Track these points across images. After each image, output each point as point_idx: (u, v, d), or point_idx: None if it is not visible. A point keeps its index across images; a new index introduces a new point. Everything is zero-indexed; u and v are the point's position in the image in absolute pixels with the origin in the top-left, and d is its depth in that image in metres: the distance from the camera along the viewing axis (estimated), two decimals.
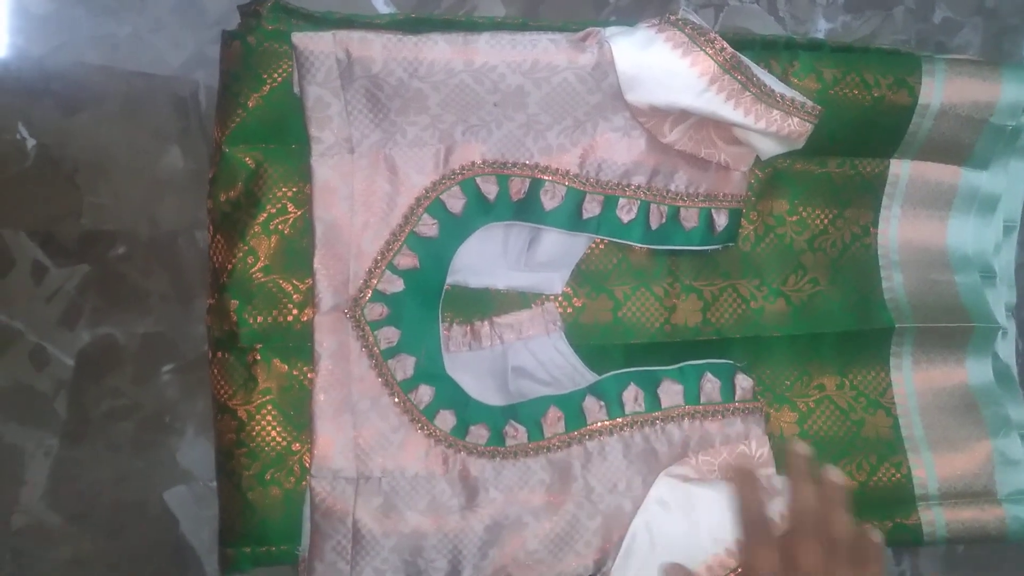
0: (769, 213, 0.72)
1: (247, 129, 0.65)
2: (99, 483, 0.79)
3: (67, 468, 0.79)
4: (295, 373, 0.65)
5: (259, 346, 0.65)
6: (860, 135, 0.71)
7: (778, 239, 0.72)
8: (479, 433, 0.64)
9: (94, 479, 0.79)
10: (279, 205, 0.65)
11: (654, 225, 0.67)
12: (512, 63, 0.62)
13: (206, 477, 0.80)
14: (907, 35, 0.86)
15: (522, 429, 0.64)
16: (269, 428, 0.65)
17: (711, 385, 0.66)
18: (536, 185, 0.65)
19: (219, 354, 0.65)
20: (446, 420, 0.64)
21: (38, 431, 0.79)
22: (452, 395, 0.65)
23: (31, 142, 0.80)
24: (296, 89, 0.63)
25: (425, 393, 0.64)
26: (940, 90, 0.69)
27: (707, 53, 0.61)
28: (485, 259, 0.69)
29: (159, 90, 0.81)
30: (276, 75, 0.65)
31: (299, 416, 0.65)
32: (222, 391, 0.65)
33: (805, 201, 0.73)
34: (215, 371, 0.65)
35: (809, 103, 0.64)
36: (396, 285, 0.64)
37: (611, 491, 0.64)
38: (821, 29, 0.86)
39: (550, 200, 0.65)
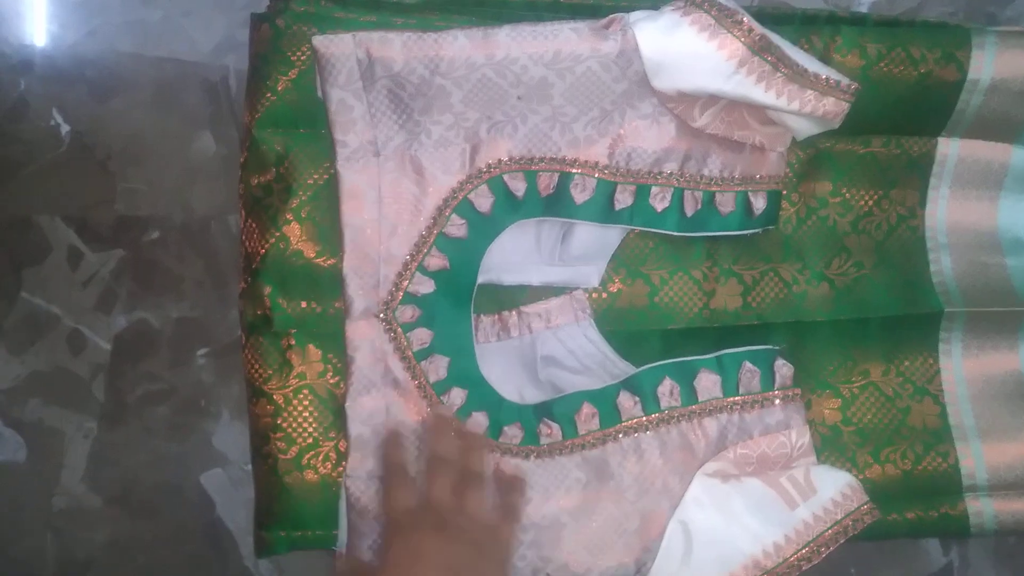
0: (811, 194, 0.70)
1: (276, 113, 0.65)
2: (137, 466, 0.80)
3: (106, 451, 0.81)
4: (330, 357, 0.65)
5: (293, 331, 0.65)
6: (906, 113, 0.68)
7: (821, 221, 0.70)
8: (513, 433, 0.63)
9: (132, 462, 0.81)
10: (311, 191, 0.65)
11: (689, 212, 0.66)
12: (534, 54, 0.60)
13: (241, 460, 0.81)
14: (955, 7, 0.83)
15: (556, 427, 0.63)
16: (305, 413, 0.65)
17: (750, 375, 0.64)
18: (565, 179, 0.64)
19: (253, 338, 0.65)
20: (479, 422, 0.63)
21: (77, 414, 0.81)
22: (485, 397, 0.64)
23: (65, 128, 0.81)
24: (319, 93, 0.63)
25: (457, 396, 0.63)
26: (990, 64, 0.67)
27: (734, 35, 0.59)
28: (518, 256, 0.68)
29: (190, 75, 0.81)
30: (305, 58, 0.64)
31: (334, 402, 0.65)
32: (257, 376, 0.65)
33: (849, 182, 0.71)
34: (248, 355, 0.66)
35: (845, 81, 0.61)
36: (427, 286, 0.64)
37: (648, 490, 0.63)
38: (864, 2, 0.83)
39: (580, 193, 0.64)
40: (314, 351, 0.65)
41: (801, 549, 0.61)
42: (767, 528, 0.61)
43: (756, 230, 0.67)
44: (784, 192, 0.69)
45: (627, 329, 0.69)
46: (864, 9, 0.82)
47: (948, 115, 0.69)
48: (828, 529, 0.61)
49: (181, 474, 0.81)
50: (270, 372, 0.65)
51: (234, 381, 0.80)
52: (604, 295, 0.69)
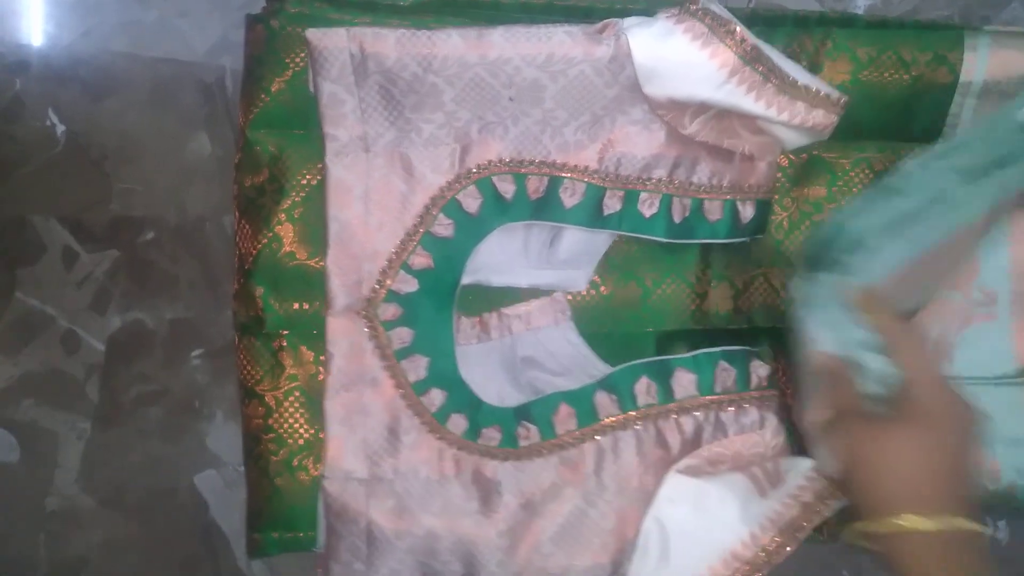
0: (805, 200, 0.70)
1: (270, 114, 0.65)
2: (130, 467, 0.80)
3: (99, 452, 0.80)
4: (322, 359, 0.65)
5: (285, 332, 0.65)
6: (899, 118, 0.68)
7: (814, 227, 0.70)
8: (491, 435, 0.63)
9: (126, 463, 0.80)
10: (304, 192, 0.65)
11: (677, 219, 0.66)
12: (527, 56, 0.60)
13: (235, 462, 0.81)
14: (950, 10, 0.83)
15: (534, 428, 0.63)
16: (297, 415, 0.65)
17: (726, 374, 0.64)
18: (554, 183, 0.64)
19: (245, 339, 0.65)
20: (458, 424, 0.63)
21: (71, 415, 0.80)
22: (464, 399, 0.64)
23: (61, 128, 0.81)
24: (311, 86, 0.62)
25: (437, 396, 0.63)
26: (983, 65, 0.66)
27: (727, 44, 0.59)
28: (506, 258, 0.68)
29: (185, 76, 0.81)
30: (299, 59, 0.64)
31: None
32: (249, 377, 0.65)
33: (844, 187, 0.70)
34: (241, 357, 0.66)
35: (835, 93, 0.61)
36: (410, 285, 0.64)
37: (624, 489, 0.63)
38: (860, 5, 0.83)
39: (569, 198, 0.64)
40: (306, 352, 0.65)
41: (776, 536, 0.60)
42: (742, 519, 0.60)
43: (744, 239, 0.67)
44: (775, 197, 0.69)
45: (619, 331, 0.69)
46: (860, 11, 0.82)
47: (942, 120, 0.68)
48: (799, 512, 0.59)
49: (175, 475, 0.81)
50: (262, 373, 0.65)
51: (228, 382, 0.80)
52: (597, 297, 0.69)
